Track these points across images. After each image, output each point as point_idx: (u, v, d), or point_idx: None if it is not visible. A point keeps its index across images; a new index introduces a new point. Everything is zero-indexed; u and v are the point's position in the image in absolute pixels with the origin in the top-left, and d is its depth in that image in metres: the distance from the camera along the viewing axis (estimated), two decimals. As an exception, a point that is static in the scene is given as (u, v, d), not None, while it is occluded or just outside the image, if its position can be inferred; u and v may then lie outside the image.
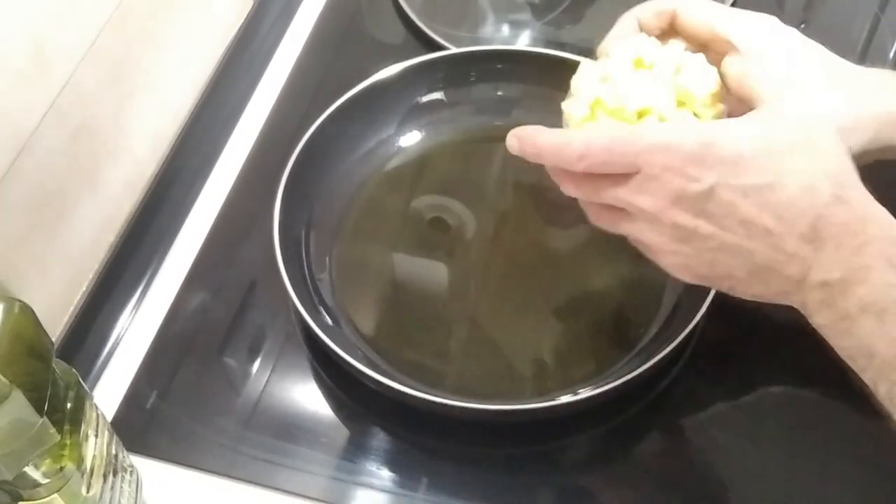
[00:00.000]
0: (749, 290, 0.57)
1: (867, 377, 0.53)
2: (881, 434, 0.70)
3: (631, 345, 0.74)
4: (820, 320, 0.54)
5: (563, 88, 0.84)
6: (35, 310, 0.53)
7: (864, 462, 0.69)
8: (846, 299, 0.52)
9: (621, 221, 0.58)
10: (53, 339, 0.56)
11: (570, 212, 0.80)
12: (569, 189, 0.60)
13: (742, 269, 0.55)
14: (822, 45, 0.97)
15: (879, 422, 0.71)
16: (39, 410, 0.52)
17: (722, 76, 0.60)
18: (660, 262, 0.58)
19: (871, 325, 0.51)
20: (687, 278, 0.58)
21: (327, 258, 0.79)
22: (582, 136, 0.57)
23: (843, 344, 0.54)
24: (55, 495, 0.57)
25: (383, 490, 0.70)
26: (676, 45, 0.62)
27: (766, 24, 0.60)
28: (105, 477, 0.62)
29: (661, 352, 0.68)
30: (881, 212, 0.54)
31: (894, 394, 0.51)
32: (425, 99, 0.86)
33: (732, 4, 0.94)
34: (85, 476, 0.58)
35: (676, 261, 0.57)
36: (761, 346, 0.75)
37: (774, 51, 0.59)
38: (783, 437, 0.71)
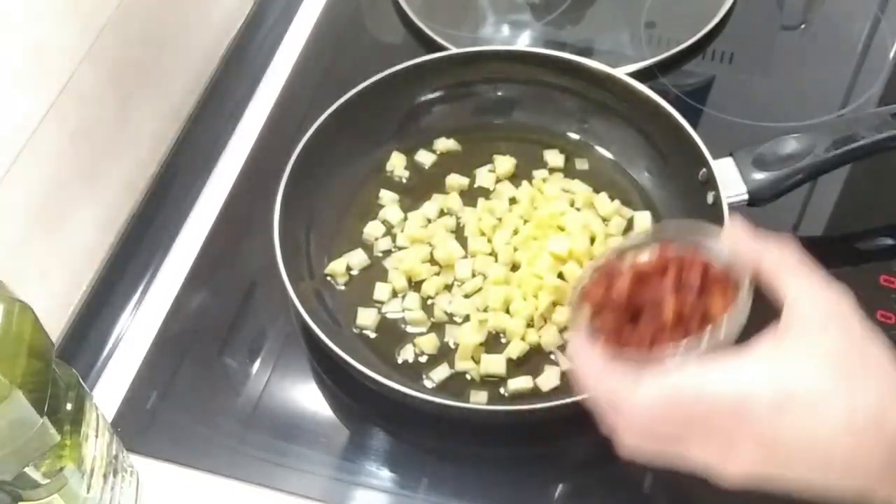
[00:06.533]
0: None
1: None
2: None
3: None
4: None
5: (562, 89, 0.85)
6: (35, 310, 0.53)
7: None
8: None
9: (671, 455, 0.52)
10: (53, 339, 0.56)
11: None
12: (619, 430, 0.53)
13: (810, 493, 0.50)
14: (822, 45, 0.98)
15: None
16: (39, 411, 0.52)
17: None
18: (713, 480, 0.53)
19: None
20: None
21: (327, 258, 0.79)
22: (646, 397, 0.51)
23: None
24: (55, 496, 0.57)
25: (383, 490, 0.70)
26: None
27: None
28: (105, 477, 0.62)
29: (661, 352, 0.68)
30: None
31: None
32: (425, 99, 0.86)
33: (732, 6, 0.94)
34: (85, 476, 0.58)
35: (736, 486, 0.51)
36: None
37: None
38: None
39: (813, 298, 0.52)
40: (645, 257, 0.56)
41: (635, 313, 0.55)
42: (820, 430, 0.48)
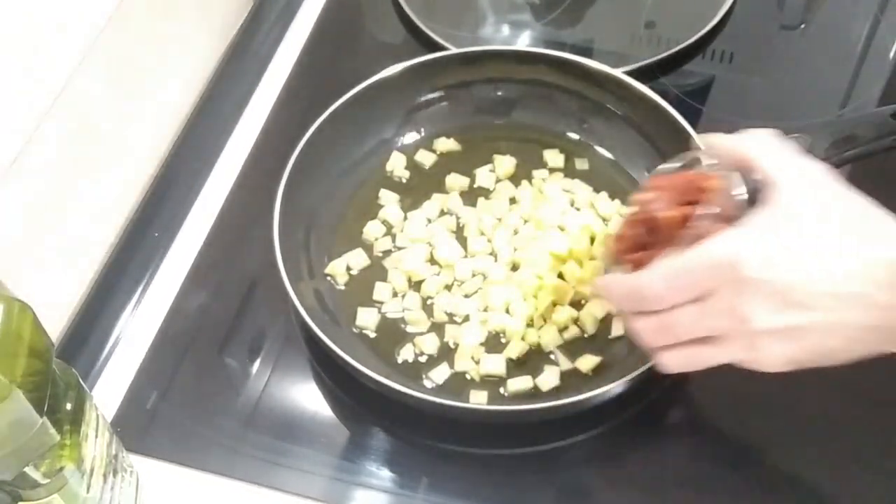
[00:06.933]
0: (850, 355, 0.56)
1: None
2: (883, 430, 0.70)
3: (631, 345, 0.74)
4: None
5: (562, 89, 0.85)
6: (35, 309, 0.53)
7: (865, 459, 0.69)
8: None
9: (706, 351, 0.57)
10: (53, 339, 0.56)
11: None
12: (652, 336, 0.58)
13: (841, 339, 0.55)
14: (822, 45, 0.98)
15: (882, 417, 0.71)
16: (39, 410, 0.52)
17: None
18: (755, 367, 0.57)
19: None
20: (787, 369, 0.57)
21: (327, 258, 0.79)
22: (653, 271, 0.57)
23: None
24: (55, 495, 0.57)
25: (383, 490, 0.70)
26: None
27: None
28: (105, 477, 0.62)
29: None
30: None
31: None
32: (425, 99, 0.86)
33: (732, 6, 0.94)
34: (85, 476, 0.58)
35: (776, 360, 0.56)
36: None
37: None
38: (784, 436, 0.71)
39: (794, 172, 0.57)
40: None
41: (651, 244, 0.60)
42: (820, 270, 0.53)
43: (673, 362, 0.59)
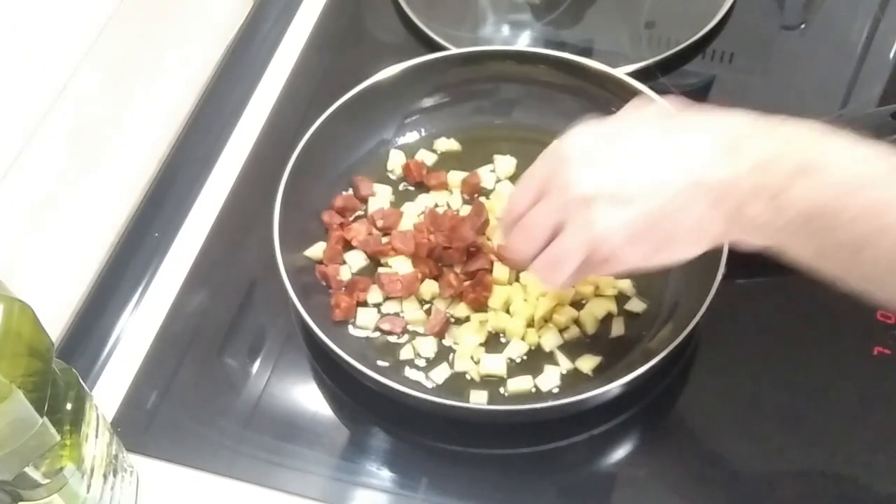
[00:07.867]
0: (692, 231, 0.58)
1: (818, 246, 0.54)
2: (882, 429, 0.70)
3: (631, 345, 0.74)
4: (759, 208, 0.55)
5: (562, 88, 0.85)
6: (35, 309, 0.53)
7: (863, 459, 0.69)
8: (778, 173, 0.55)
9: (560, 243, 0.61)
10: (53, 339, 0.56)
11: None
12: (522, 243, 0.64)
13: (668, 199, 0.57)
14: (822, 45, 0.98)
15: (880, 417, 0.71)
16: (39, 410, 0.52)
17: None
18: (607, 250, 0.60)
19: (808, 183, 0.54)
20: (635, 246, 0.59)
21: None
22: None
23: (788, 217, 0.55)
24: (55, 495, 0.57)
25: (383, 490, 0.70)
26: None
27: None
28: (105, 477, 0.62)
29: (660, 352, 0.68)
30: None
31: (851, 235, 0.53)
32: (425, 99, 0.86)
33: (732, 6, 0.94)
34: (85, 476, 0.58)
35: (616, 230, 0.58)
36: (761, 345, 0.75)
37: None
38: (783, 436, 0.71)
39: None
40: None
41: None
42: (638, 142, 0.60)
43: (543, 267, 0.63)
